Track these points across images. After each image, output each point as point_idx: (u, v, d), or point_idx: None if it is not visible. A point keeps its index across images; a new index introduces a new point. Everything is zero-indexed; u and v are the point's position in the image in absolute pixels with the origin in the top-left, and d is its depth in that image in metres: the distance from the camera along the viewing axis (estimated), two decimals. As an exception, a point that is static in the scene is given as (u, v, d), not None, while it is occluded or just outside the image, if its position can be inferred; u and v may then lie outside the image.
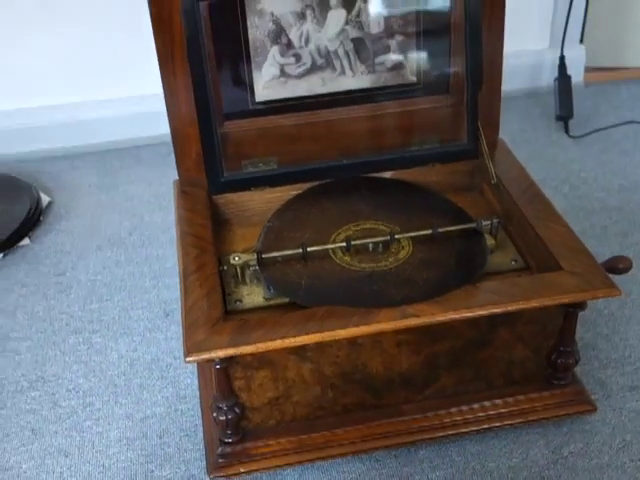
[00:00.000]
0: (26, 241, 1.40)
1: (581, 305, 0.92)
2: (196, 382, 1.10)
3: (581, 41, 1.79)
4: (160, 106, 1.64)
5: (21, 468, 1.00)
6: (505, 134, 1.18)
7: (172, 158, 1.64)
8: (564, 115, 1.67)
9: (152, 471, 0.99)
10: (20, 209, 1.43)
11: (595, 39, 1.81)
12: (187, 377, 1.12)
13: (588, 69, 1.83)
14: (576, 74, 1.76)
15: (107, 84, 1.66)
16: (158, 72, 1.56)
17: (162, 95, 1.66)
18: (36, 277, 1.32)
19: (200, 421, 1.04)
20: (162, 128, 1.66)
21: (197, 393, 1.09)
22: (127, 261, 1.35)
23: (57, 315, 1.24)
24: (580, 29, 1.77)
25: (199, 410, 1.06)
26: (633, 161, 1.54)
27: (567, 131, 1.65)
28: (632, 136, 1.62)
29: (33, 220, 1.43)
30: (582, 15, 1.75)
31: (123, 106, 1.67)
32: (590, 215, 1.39)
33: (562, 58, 1.70)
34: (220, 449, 0.95)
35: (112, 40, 1.59)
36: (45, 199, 1.50)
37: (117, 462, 1.00)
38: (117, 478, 0.98)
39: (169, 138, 1.67)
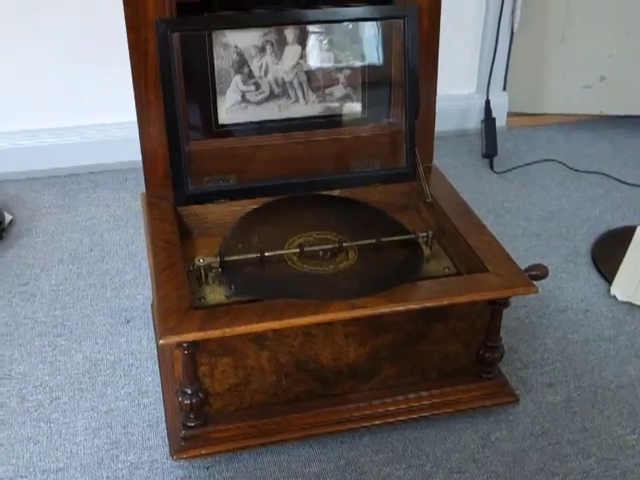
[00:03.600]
0: (-11, 254, 1.47)
1: (505, 302, 1.06)
2: (157, 380, 1.19)
3: (504, 88, 1.99)
4: (118, 135, 1.77)
5: (-8, 455, 1.07)
6: (438, 168, 1.33)
7: (128, 183, 1.76)
8: (489, 153, 1.85)
9: (117, 456, 1.07)
10: (-16, 225, 1.50)
11: (517, 88, 2.01)
12: (148, 375, 1.20)
13: (511, 114, 2.03)
14: (500, 118, 1.96)
15: (68, 113, 1.75)
16: (118, 102, 1.69)
17: (120, 125, 1.78)
18: (0, 287, 1.39)
19: (162, 413, 1.13)
20: (118, 156, 1.78)
21: (158, 389, 1.17)
22: (88, 274, 1.43)
23: (22, 320, 1.31)
24: (503, 78, 1.97)
25: (161, 404, 1.14)
26: (550, 194, 1.72)
27: (492, 167, 1.83)
28: (549, 173, 1.81)
29: (-4, 236, 1.50)
30: (504, 66, 1.95)
31: (83, 134, 1.77)
32: (513, 240, 1.55)
33: (487, 102, 1.90)
34: (183, 432, 1.04)
35: (75, 70, 1.70)
36: (7, 217, 1.57)
37: (84, 449, 1.08)
38: (85, 462, 1.06)
39: (125, 166, 1.79)
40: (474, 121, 1.98)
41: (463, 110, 1.98)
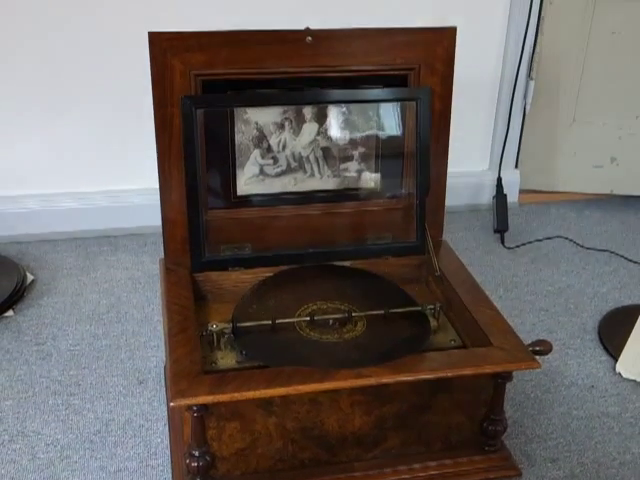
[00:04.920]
0: (10, 313, 1.51)
1: (508, 376, 1.08)
2: (166, 442, 1.21)
3: (516, 166, 2.05)
4: (139, 200, 1.83)
5: (1, 511, 1.09)
6: (449, 242, 1.36)
7: (148, 247, 1.81)
8: (500, 228, 1.90)
9: (124, 517, 1.09)
10: (7, 285, 1.56)
11: (529, 166, 2.07)
12: (158, 437, 1.23)
13: (522, 191, 2.08)
14: (512, 194, 2.01)
15: (92, 178, 1.82)
16: (141, 170, 1.76)
17: (142, 191, 1.84)
18: (18, 345, 1.43)
19: (169, 475, 1.15)
20: (139, 221, 1.84)
21: (167, 451, 1.19)
22: (104, 335, 1.47)
23: (38, 379, 1.35)
24: (515, 156, 2.04)
25: (169, 465, 1.17)
26: (559, 270, 1.76)
27: (503, 242, 1.87)
28: (558, 249, 1.85)
29: (18, 295, 1.55)
30: (517, 145, 2.02)
31: (105, 198, 1.83)
32: (521, 314, 1.58)
33: (499, 179, 1.95)
34: (189, 495, 1.06)
35: (99, 137, 1.78)
36: (29, 277, 1.62)
37: (92, 508, 1.10)
38: (92, 521, 1.08)
39: (145, 230, 1.85)
40: (487, 197, 2.03)
41: (476, 186, 2.04)
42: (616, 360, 1.43)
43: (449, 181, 1.36)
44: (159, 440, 1.22)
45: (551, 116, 2.02)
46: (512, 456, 1.17)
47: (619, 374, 1.40)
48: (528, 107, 1.97)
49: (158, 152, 1.21)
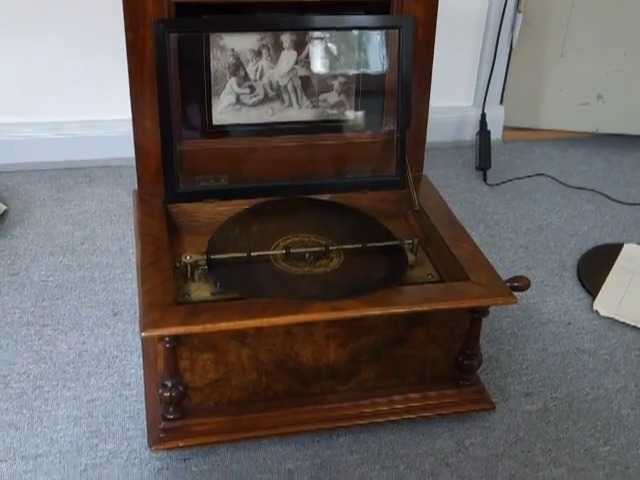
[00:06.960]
0: (-18, 243, 1.49)
1: (484, 311, 1.07)
2: (140, 372, 1.21)
3: (501, 102, 2.01)
4: (115, 131, 1.79)
5: (-28, 438, 1.08)
6: (430, 179, 1.34)
7: (123, 180, 1.78)
8: (483, 166, 1.87)
9: (97, 445, 1.08)
10: (-22, 214, 1.52)
11: (513, 102, 2.03)
12: (132, 368, 1.22)
13: (506, 128, 2.05)
14: (496, 131, 1.98)
15: (67, 107, 1.77)
16: (116, 99, 1.71)
17: (117, 121, 1.79)
18: (-10, 276, 1.41)
19: (143, 405, 1.14)
20: (115, 152, 1.80)
21: (141, 382, 1.19)
22: (78, 266, 1.45)
23: (10, 309, 1.33)
24: (500, 92, 2.00)
25: (143, 396, 1.16)
26: (540, 208, 1.74)
27: (485, 180, 1.85)
28: (540, 187, 1.83)
29: (-10, 225, 1.52)
30: (502, 80, 1.98)
31: (80, 129, 1.79)
32: (500, 251, 1.57)
33: (483, 115, 1.92)
34: (162, 424, 1.06)
35: (73, 65, 1.72)
36: (1, 207, 1.59)
37: (64, 436, 1.09)
38: (64, 450, 1.07)
39: (121, 162, 1.81)
40: (470, 133, 2.00)
41: (460, 122, 2.00)
42: (594, 298, 1.43)
43: (432, 116, 1.33)
44: (133, 371, 1.21)
45: (538, 51, 1.97)
46: (486, 390, 1.18)
47: (596, 312, 1.40)
48: (515, 41, 1.92)
49: (130, 79, 1.17)
